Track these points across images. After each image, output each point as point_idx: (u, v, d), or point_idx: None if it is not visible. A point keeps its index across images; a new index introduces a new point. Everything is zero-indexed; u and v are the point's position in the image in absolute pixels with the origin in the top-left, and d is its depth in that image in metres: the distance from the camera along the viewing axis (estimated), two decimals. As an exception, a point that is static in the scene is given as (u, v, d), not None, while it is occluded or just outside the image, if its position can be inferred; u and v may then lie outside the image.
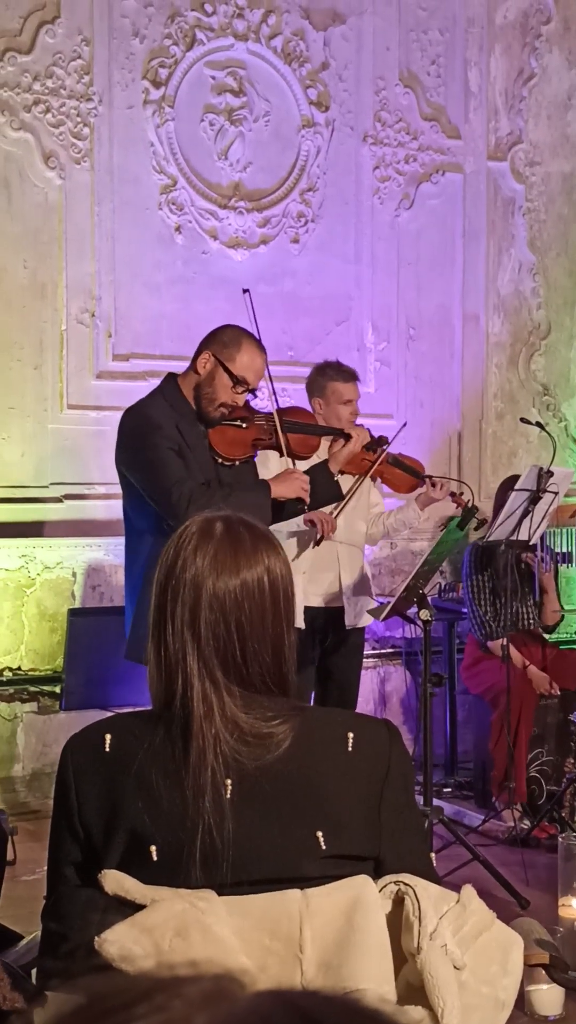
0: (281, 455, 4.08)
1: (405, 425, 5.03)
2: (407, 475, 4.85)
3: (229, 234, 6.34)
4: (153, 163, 6.14)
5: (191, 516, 3.48)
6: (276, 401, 4.09)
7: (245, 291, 4.14)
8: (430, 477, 4.91)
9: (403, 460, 4.86)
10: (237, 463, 3.91)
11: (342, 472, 4.71)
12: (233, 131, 6.33)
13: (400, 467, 4.83)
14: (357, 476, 4.87)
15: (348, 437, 4.32)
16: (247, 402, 3.94)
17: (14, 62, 5.79)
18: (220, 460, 3.87)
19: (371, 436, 4.47)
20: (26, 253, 5.83)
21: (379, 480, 4.94)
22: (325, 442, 4.49)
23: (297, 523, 4.59)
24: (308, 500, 4.01)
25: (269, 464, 4.43)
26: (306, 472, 4.09)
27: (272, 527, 4.31)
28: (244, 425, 3.90)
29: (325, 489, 4.14)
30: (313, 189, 6.55)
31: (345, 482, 4.88)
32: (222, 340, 3.86)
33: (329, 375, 4.99)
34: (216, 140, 6.30)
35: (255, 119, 6.38)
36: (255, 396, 3.99)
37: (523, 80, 7.15)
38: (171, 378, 3.93)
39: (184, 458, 3.75)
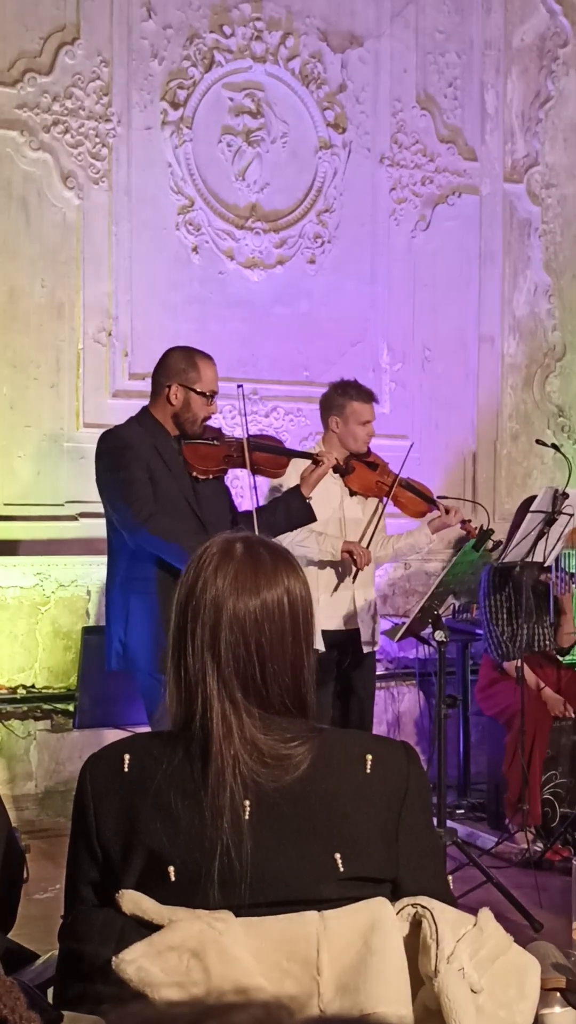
0: (251, 471, 4.35)
1: (412, 445, 5.05)
2: (419, 499, 4.96)
3: (246, 254, 6.36)
4: (171, 184, 6.17)
5: (148, 529, 3.85)
6: (246, 426, 4.41)
7: (239, 386, 4.61)
8: (442, 499, 5.01)
9: (414, 484, 4.96)
10: (211, 476, 4.27)
11: (354, 493, 4.86)
12: (250, 152, 6.36)
13: (412, 491, 4.94)
14: (377, 501, 4.95)
15: (317, 462, 4.47)
16: (219, 430, 4.37)
17: (34, 83, 5.83)
18: (194, 474, 4.22)
19: (339, 462, 4.63)
20: (44, 273, 5.86)
21: (388, 501, 4.98)
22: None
23: (332, 554, 4.72)
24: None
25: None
26: (280, 497, 4.50)
27: (305, 555, 4.57)
28: (216, 442, 4.28)
29: (298, 511, 4.44)
30: (330, 210, 6.57)
31: (357, 505, 4.97)
32: (179, 368, 4.25)
33: (350, 395, 5.01)
34: (233, 161, 6.33)
35: (272, 140, 6.41)
36: None
37: (540, 102, 7.17)
38: (144, 409, 4.34)
39: (154, 477, 4.11)
